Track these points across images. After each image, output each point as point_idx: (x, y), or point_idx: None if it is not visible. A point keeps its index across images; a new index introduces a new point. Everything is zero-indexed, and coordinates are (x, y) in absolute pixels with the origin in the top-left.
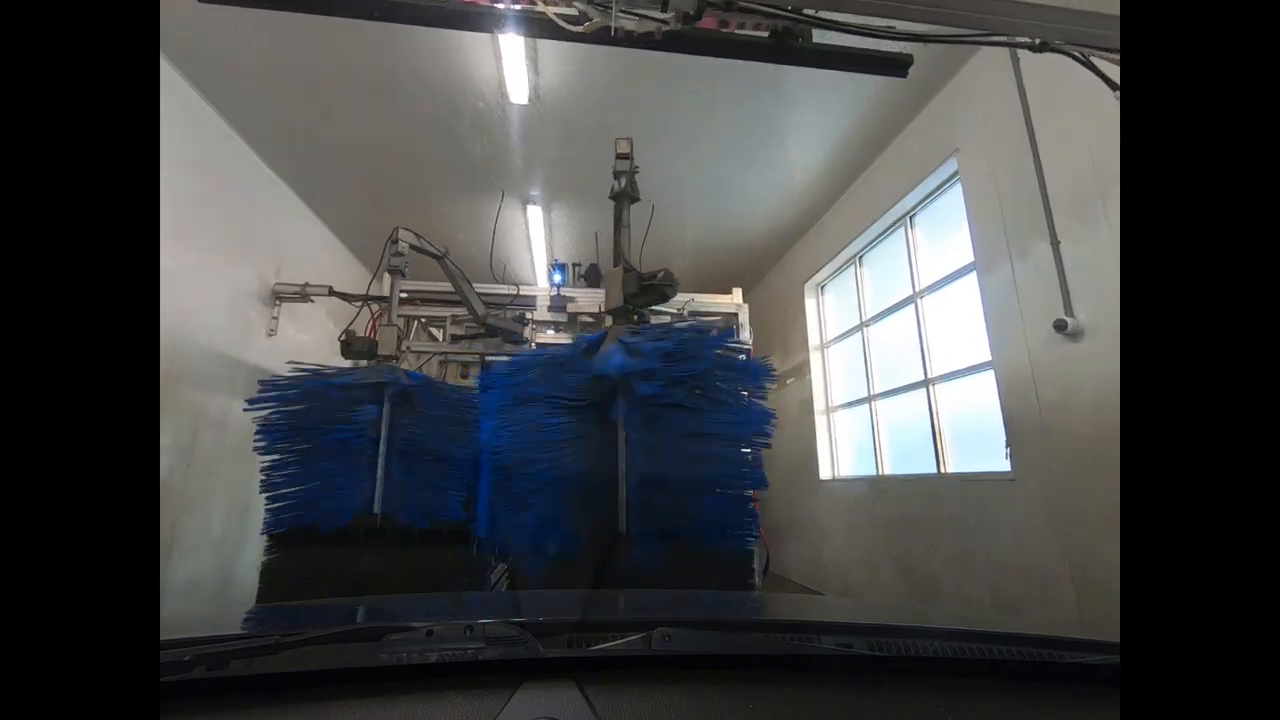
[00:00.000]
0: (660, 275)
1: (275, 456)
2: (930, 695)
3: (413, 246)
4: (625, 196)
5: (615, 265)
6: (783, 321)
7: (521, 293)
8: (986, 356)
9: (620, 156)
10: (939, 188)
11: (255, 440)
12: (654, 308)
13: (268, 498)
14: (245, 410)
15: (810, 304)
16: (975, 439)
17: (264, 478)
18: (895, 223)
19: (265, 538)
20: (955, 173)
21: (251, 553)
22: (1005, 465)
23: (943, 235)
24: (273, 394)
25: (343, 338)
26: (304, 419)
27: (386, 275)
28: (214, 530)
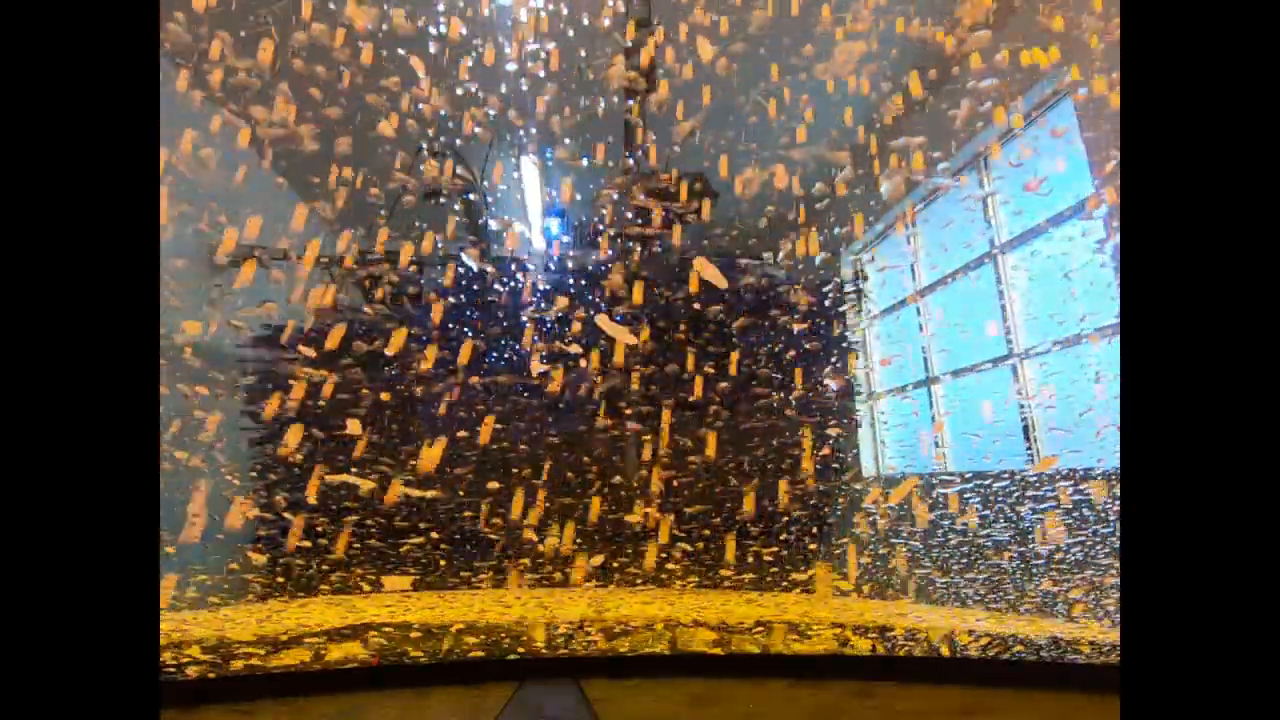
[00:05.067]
0: (695, 182)
1: None
2: (929, 695)
3: (455, 173)
4: (644, 77)
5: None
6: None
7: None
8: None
9: (640, 25)
10: (1035, 109)
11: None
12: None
13: None
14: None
15: (849, 272)
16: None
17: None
18: (965, 166)
19: None
20: (1062, 88)
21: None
22: None
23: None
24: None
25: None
26: None
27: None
28: None
